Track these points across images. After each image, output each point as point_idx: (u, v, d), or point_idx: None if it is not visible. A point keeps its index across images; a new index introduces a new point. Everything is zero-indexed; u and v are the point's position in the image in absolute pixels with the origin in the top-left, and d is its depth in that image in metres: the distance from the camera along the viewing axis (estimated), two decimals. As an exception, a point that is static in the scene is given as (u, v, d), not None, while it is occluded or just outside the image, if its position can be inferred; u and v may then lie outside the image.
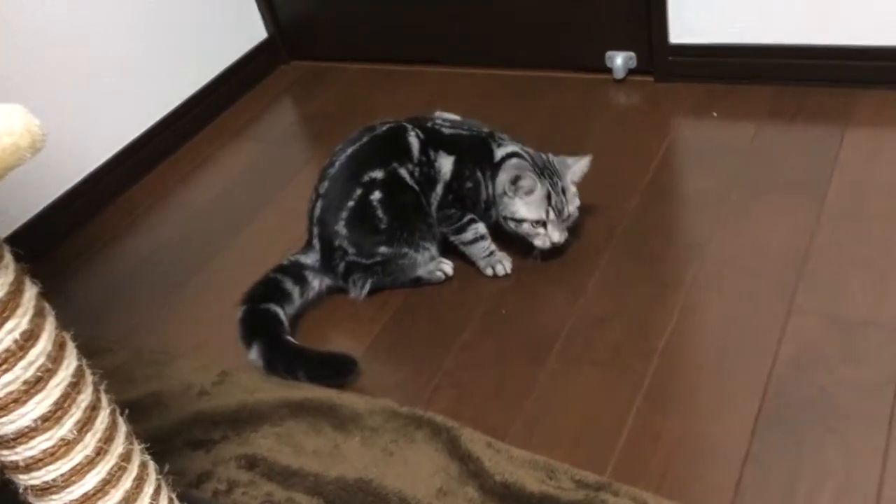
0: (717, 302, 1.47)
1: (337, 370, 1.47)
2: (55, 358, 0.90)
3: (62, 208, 2.02)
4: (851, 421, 1.21)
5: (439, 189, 1.60)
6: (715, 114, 1.93)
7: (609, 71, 2.13)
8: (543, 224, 1.55)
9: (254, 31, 2.56)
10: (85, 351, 0.98)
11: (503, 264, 1.63)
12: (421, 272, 1.64)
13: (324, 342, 1.59)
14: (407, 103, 2.26)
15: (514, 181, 1.53)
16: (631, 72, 2.12)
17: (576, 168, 1.60)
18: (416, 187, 1.58)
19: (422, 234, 1.60)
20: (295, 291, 1.61)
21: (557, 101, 2.13)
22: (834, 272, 1.46)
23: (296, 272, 1.62)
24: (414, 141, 1.60)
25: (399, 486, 1.27)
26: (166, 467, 1.09)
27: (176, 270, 1.84)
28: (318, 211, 1.61)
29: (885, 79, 1.83)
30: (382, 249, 1.59)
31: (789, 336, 1.36)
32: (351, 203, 1.57)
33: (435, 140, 1.62)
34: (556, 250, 1.60)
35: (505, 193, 1.56)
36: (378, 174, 1.56)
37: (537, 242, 1.57)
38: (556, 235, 1.56)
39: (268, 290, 1.58)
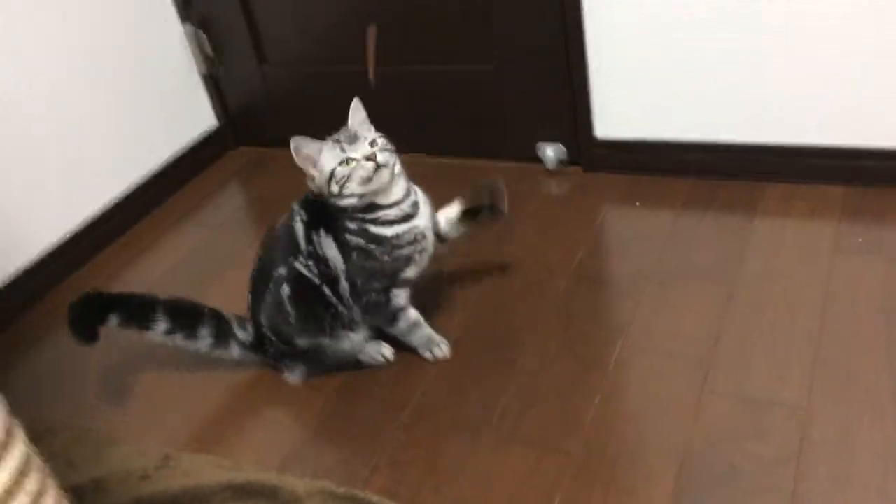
0: (637, 382, 1.58)
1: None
2: (3, 445, 0.95)
3: (4, 294, 2.05)
4: (757, 495, 1.31)
5: (343, 281, 1.59)
6: (637, 203, 2.08)
7: (541, 161, 2.27)
8: (346, 160, 1.52)
9: (203, 119, 2.66)
10: (27, 433, 1.02)
11: (441, 348, 1.71)
12: (360, 356, 1.71)
13: (265, 422, 1.64)
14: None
15: (307, 158, 1.54)
16: (562, 162, 2.27)
17: (356, 117, 1.62)
18: (316, 280, 1.59)
19: (334, 324, 1.62)
20: (205, 341, 1.68)
21: (493, 189, 2.26)
22: (742, 354, 1.58)
23: (223, 329, 1.69)
24: (299, 228, 1.60)
25: (336, 565, 1.31)
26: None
27: (118, 353, 1.88)
28: (248, 298, 1.68)
29: (790, 173, 2.01)
30: (300, 341, 1.65)
31: (703, 415, 1.47)
32: (268, 297, 1.62)
33: (317, 218, 1.59)
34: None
35: (327, 184, 1.53)
36: (282, 270, 1.60)
37: (361, 174, 1.52)
38: (363, 152, 1.53)
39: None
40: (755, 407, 1.46)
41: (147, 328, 1.65)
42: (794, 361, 1.54)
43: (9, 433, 0.96)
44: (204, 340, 1.68)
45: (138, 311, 1.65)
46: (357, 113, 1.63)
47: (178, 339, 1.67)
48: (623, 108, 2.12)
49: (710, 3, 1.88)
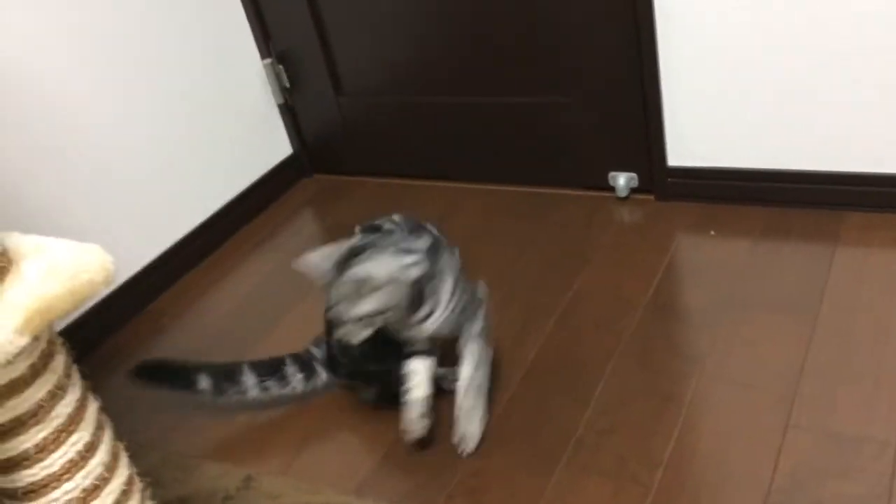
0: (716, 415, 1.55)
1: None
2: (111, 467, 1.00)
3: (90, 320, 2.14)
4: (846, 534, 1.28)
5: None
6: (713, 232, 2.06)
7: (612, 189, 2.28)
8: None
9: (280, 147, 2.74)
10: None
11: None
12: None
13: (340, 445, 1.67)
14: (418, 216, 2.41)
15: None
16: (633, 190, 2.26)
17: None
18: None
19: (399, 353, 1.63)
20: (296, 377, 1.73)
21: (562, 218, 2.27)
22: (827, 388, 1.55)
23: (305, 360, 1.74)
24: None
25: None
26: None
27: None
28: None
29: (869, 202, 1.96)
30: (369, 365, 1.68)
31: (786, 450, 1.44)
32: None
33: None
34: None
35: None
36: None
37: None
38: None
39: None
40: (842, 443, 1.43)
41: (239, 384, 1.72)
42: (882, 396, 1.50)
43: (115, 457, 1.01)
44: (295, 377, 1.74)
45: (224, 372, 1.74)
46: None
47: (272, 387, 1.73)
48: (696, 136, 2.11)
49: (782, 33, 1.87)
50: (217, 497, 1.60)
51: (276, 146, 2.73)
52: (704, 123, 2.08)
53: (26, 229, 1.85)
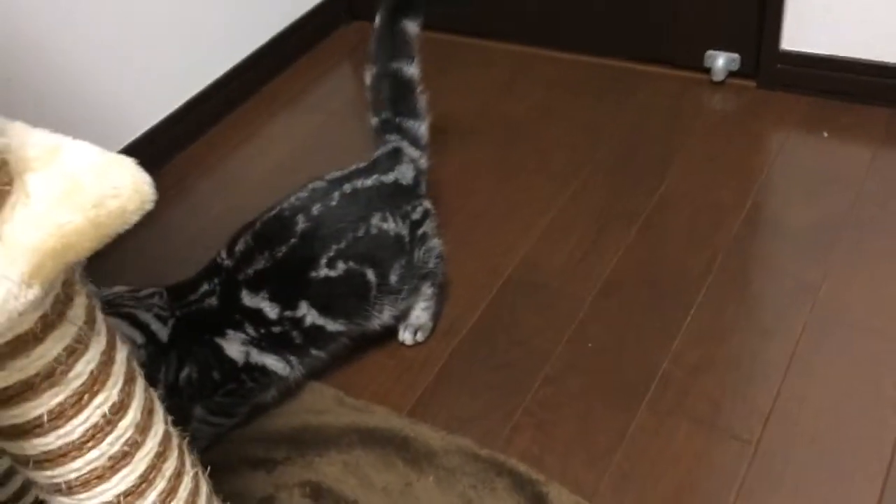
0: (829, 360, 1.35)
1: None
2: (143, 428, 0.79)
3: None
4: (983, 523, 1.11)
5: None
6: (825, 133, 1.78)
7: (707, 71, 1.96)
8: None
9: (316, -14, 2.38)
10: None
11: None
12: None
13: (396, 361, 1.48)
14: (476, 85, 2.11)
15: None
16: (731, 74, 1.95)
17: None
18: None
19: None
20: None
21: (647, 100, 1.97)
22: (962, 341, 1.33)
23: None
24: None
25: (477, 542, 1.18)
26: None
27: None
28: None
29: None
30: None
31: (912, 413, 1.25)
32: None
33: None
34: None
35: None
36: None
37: None
38: None
39: None
40: (981, 413, 1.24)
41: None
42: None
43: (150, 413, 0.81)
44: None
45: None
46: None
47: None
48: (819, 18, 1.77)
49: None
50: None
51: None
52: (831, 4, 1.74)
53: (44, 91, 1.56)
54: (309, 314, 1.30)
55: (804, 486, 1.19)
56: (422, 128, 1.48)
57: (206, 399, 1.31)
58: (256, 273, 1.28)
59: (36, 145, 0.67)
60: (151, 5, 1.92)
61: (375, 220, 1.34)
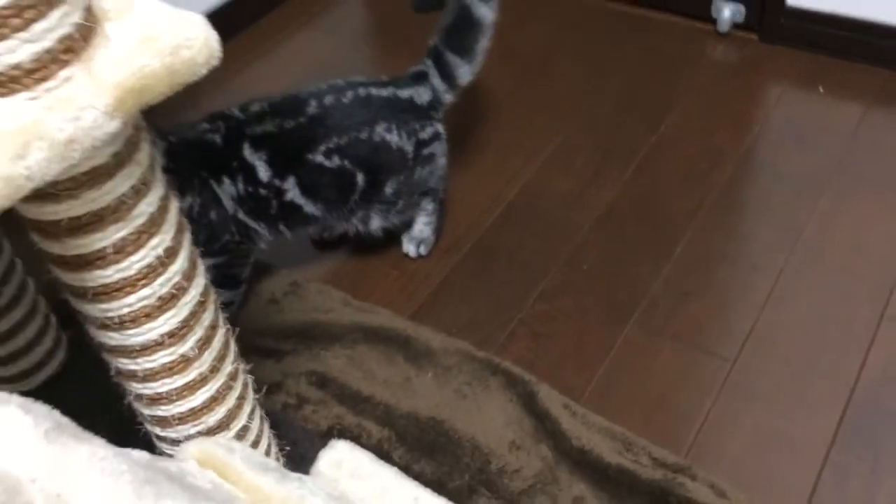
0: (807, 295, 1.44)
1: None
2: (188, 276, 0.87)
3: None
4: (933, 442, 1.22)
5: None
6: (821, 89, 1.85)
7: (713, 21, 2.03)
8: None
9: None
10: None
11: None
12: None
13: (401, 270, 1.56)
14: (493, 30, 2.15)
15: None
16: (737, 26, 2.02)
17: None
18: None
19: None
20: None
21: (653, 44, 2.03)
22: (931, 284, 1.43)
23: None
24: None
25: (472, 432, 1.27)
26: (264, 389, 1.08)
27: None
28: None
29: None
30: None
31: (879, 343, 1.35)
32: None
33: None
34: None
35: None
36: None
37: None
38: None
39: None
40: (941, 346, 1.34)
41: None
42: None
43: (194, 265, 0.88)
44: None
45: None
46: None
47: None
48: (828, -25, 1.84)
49: None
50: (262, 298, 1.50)
51: None
52: (841, -38, 1.81)
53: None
54: (292, 190, 1.36)
55: (774, 399, 1.29)
56: (464, 69, 1.47)
57: (208, 252, 1.31)
58: (263, 133, 1.34)
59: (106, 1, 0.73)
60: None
61: (380, 128, 1.39)
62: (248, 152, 1.32)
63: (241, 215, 1.35)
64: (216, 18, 2.24)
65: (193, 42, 0.72)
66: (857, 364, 1.32)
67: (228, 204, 1.34)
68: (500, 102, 1.91)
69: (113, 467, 0.64)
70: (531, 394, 1.30)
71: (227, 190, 1.33)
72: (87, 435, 0.66)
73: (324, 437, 1.23)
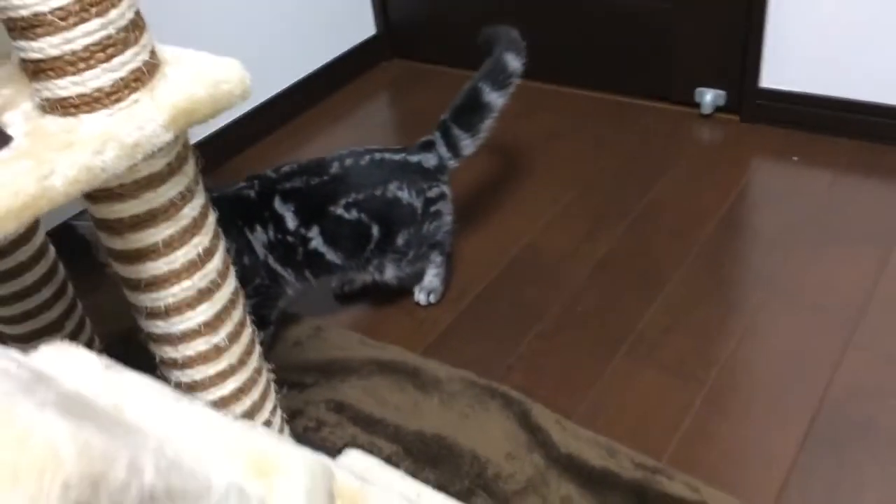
0: (779, 328, 1.59)
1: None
2: (223, 275, 1.06)
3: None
4: (894, 449, 1.32)
5: None
6: (795, 158, 2.05)
7: (697, 105, 2.26)
8: None
9: (364, 27, 2.74)
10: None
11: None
12: None
13: (411, 313, 1.74)
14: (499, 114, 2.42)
15: None
16: (718, 109, 2.24)
17: None
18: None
19: None
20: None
21: (644, 128, 2.26)
22: (894, 317, 1.56)
23: None
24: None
25: (471, 445, 1.40)
26: (284, 389, 1.25)
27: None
28: None
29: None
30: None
31: (845, 368, 1.48)
32: None
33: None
34: None
35: None
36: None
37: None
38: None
39: None
40: (901, 367, 1.46)
41: None
42: (947, 331, 1.52)
43: (226, 268, 1.08)
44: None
45: None
46: None
47: None
48: (793, 59, 2.07)
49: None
50: (289, 341, 1.68)
51: (361, 26, 2.73)
52: (804, 46, 2.04)
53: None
54: (316, 239, 1.57)
55: (747, 415, 1.42)
56: (467, 142, 1.70)
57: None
58: (291, 188, 1.56)
59: (167, 52, 0.96)
60: (237, 21, 2.28)
61: (392, 186, 1.61)
62: (277, 204, 1.55)
63: (270, 261, 1.56)
64: (258, 115, 2.58)
65: (231, 78, 0.94)
66: (824, 384, 1.45)
67: (260, 250, 1.55)
68: (508, 176, 2.13)
69: (155, 385, 0.81)
70: (526, 412, 1.44)
71: (258, 237, 1.54)
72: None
73: (339, 453, 1.38)
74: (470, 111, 1.71)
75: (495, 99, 1.71)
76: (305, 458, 0.74)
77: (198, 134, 2.23)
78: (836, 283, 1.66)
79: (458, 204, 1.81)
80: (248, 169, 2.27)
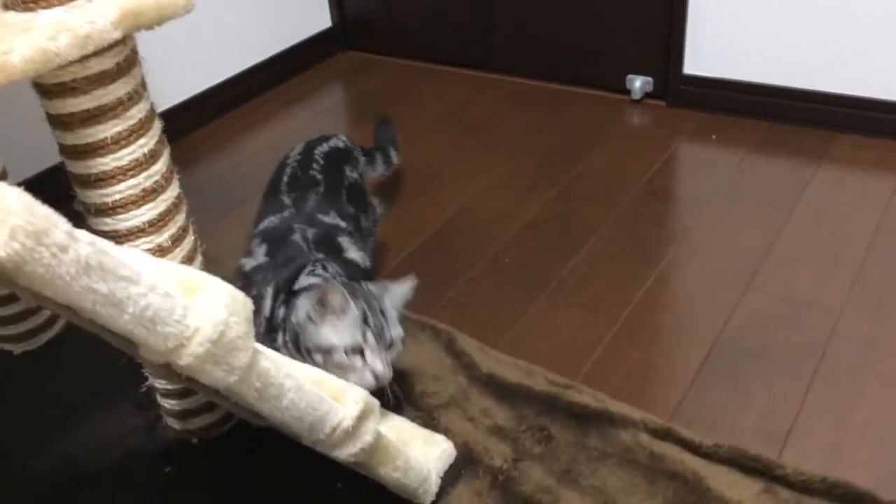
0: (687, 275, 1.73)
1: None
2: (167, 178, 1.17)
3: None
4: (782, 371, 1.46)
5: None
6: (714, 136, 2.21)
7: (628, 92, 2.42)
8: (360, 351, 1.25)
9: (321, 19, 2.88)
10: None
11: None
12: None
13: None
14: (443, 99, 2.56)
15: (321, 301, 1.25)
16: (647, 95, 2.41)
17: (397, 292, 1.36)
18: None
19: None
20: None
21: (579, 112, 2.42)
22: (788, 264, 1.72)
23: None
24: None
25: (400, 370, 1.51)
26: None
27: (225, 201, 2.12)
28: None
29: (860, 125, 2.11)
30: None
31: (744, 305, 1.62)
32: None
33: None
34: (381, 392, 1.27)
35: (309, 319, 1.26)
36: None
37: (354, 379, 1.22)
38: (378, 365, 1.25)
39: None
40: (795, 305, 1.61)
41: None
42: (836, 276, 1.67)
43: (171, 174, 1.18)
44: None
45: None
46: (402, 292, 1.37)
47: None
48: (713, 47, 2.25)
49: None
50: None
51: (317, 17, 2.86)
52: (723, 35, 2.22)
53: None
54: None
55: (653, 343, 1.55)
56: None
57: None
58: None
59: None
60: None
61: None
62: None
63: None
64: (215, 95, 2.69)
65: (176, -7, 1.06)
66: (724, 319, 1.59)
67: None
68: (448, 151, 2.27)
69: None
70: (452, 340, 1.56)
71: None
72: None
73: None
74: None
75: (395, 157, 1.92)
76: (227, 285, 0.85)
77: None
78: (739, 238, 1.81)
79: (400, 173, 1.95)
80: (203, 144, 2.42)
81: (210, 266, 1.26)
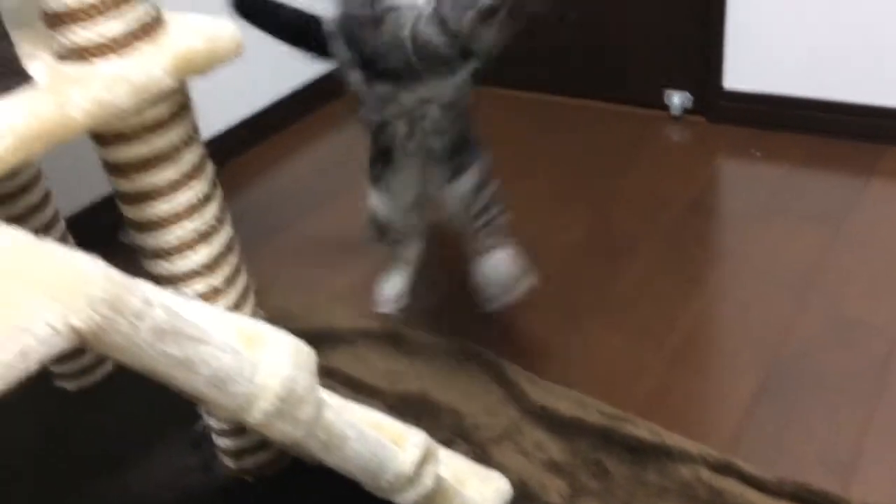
0: (734, 295, 1.70)
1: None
2: (221, 221, 1.17)
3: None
4: (841, 396, 1.43)
5: None
6: (757, 153, 2.18)
7: (666, 108, 2.40)
8: None
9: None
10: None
11: None
12: None
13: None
14: (477, 119, 2.55)
15: None
16: (686, 111, 2.38)
17: None
18: None
19: None
20: None
21: (618, 129, 2.40)
22: (840, 282, 1.68)
23: None
24: None
25: (452, 402, 1.50)
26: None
27: (273, 222, 2.13)
28: None
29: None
30: None
31: (795, 327, 1.59)
32: None
33: None
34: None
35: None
36: None
37: None
38: None
39: None
40: (846, 326, 1.57)
41: None
42: (889, 294, 1.63)
43: (223, 214, 1.18)
44: None
45: None
46: None
47: None
48: (753, 61, 2.21)
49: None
50: (282, 318, 1.78)
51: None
52: (763, 48, 2.19)
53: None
54: None
55: (704, 373, 1.53)
56: None
57: None
58: None
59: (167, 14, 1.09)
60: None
61: None
62: None
63: None
64: (254, 122, 2.64)
65: (225, 34, 1.06)
66: (775, 342, 1.56)
67: None
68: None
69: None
70: (501, 372, 1.54)
71: None
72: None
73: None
74: None
75: None
76: (288, 337, 0.85)
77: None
78: (787, 256, 1.78)
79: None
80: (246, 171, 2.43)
81: (257, 299, 1.27)
